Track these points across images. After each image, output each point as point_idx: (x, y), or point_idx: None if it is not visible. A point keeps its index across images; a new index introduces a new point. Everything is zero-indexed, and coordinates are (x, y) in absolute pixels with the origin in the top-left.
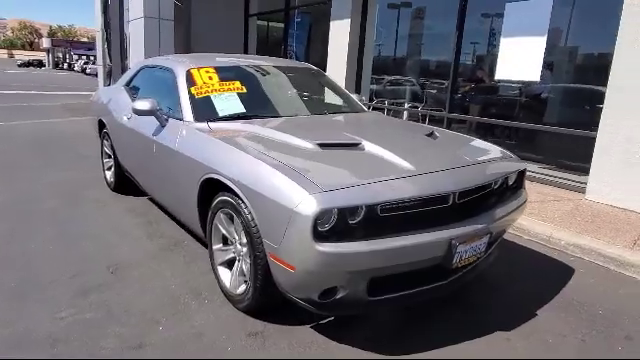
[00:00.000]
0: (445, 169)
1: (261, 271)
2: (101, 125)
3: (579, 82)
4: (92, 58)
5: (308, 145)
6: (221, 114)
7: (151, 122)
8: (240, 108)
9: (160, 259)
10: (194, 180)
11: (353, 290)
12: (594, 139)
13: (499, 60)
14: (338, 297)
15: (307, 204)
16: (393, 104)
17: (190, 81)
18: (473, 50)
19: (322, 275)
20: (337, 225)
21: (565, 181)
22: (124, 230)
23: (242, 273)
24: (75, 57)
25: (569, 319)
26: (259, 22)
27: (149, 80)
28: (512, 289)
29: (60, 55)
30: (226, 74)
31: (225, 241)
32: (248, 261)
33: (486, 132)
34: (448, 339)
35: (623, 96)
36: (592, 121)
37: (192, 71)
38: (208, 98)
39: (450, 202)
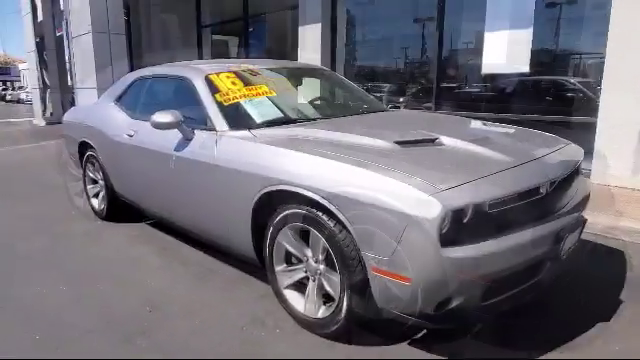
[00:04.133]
0: (536, 158)
1: (355, 289)
2: (82, 148)
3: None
4: (9, 84)
5: (384, 144)
6: (259, 121)
7: (169, 136)
8: (277, 112)
9: (199, 290)
10: (247, 195)
11: (469, 297)
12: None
13: (484, 54)
14: (451, 307)
15: (429, 206)
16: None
17: (212, 88)
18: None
19: (445, 284)
20: (454, 227)
21: None
22: (139, 261)
23: (320, 294)
24: None
25: None
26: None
27: (150, 92)
28: (583, 275)
29: None
30: (249, 78)
31: (289, 260)
32: (334, 279)
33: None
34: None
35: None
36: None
37: (211, 77)
38: (239, 105)
39: (544, 192)
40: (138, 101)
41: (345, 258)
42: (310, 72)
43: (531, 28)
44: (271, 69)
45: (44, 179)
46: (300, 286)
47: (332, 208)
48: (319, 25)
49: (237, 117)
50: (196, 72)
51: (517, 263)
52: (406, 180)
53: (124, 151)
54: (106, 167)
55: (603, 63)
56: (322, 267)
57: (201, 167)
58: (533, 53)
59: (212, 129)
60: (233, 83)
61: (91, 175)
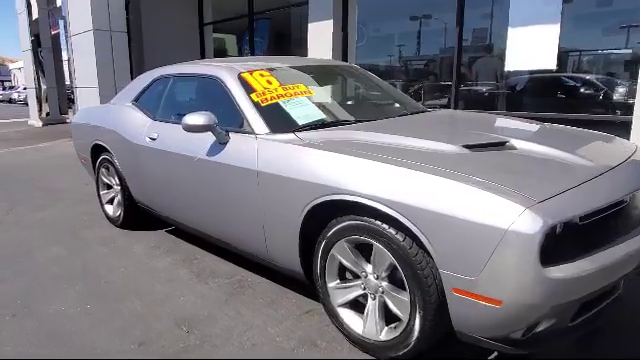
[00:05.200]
0: (619, 164)
1: (429, 310)
2: (96, 151)
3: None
4: None
5: (452, 148)
6: (301, 123)
7: (199, 140)
8: (319, 113)
9: (234, 306)
10: (296, 205)
11: (560, 319)
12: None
13: (508, 51)
14: (539, 330)
15: (527, 220)
16: None
17: (247, 87)
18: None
19: (541, 307)
20: (553, 244)
21: None
22: (164, 274)
23: (382, 313)
24: None
25: None
26: (215, 35)
27: (174, 92)
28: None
29: None
30: (284, 77)
31: (343, 276)
32: (402, 298)
33: None
34: None
35: None
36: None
37: (244, 75)
38: (277, 105)
39: (627, 201)
40: (159, 102)
41: (417, 276)
42: (341, 70)
43: (558, 23)
44: (300, 67)
45: (48, 183)
46: (357, 304)
47: (404, 221)
48: (330, 22)
49: (277, 119)
50: (228, 70)
51: (612, 280)
52: (494, 190)
53: (145, 155)
54: (123, 172)
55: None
56: (385, 284)
57: (239, 174)
58: (561, 49)
59: (250, 132)
60: (268, 82)
61: (105, 180)
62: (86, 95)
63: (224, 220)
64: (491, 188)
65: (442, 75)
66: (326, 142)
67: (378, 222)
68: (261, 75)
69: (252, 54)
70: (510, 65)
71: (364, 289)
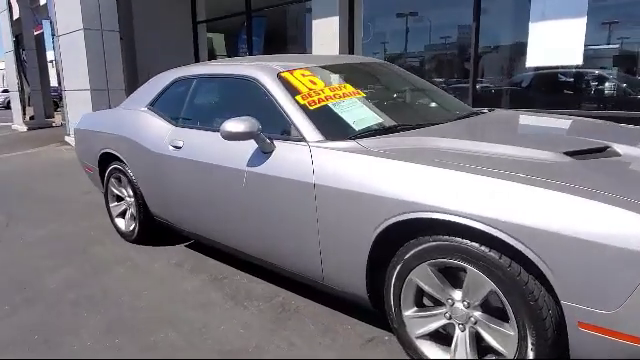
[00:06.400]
0: None
1: (543, 345)
2: (104, 160)
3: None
4: None
5: (551, 156)
6: (358, 128)
7: (236, 149)
8: (376, 117)
9: (284, 334)
10: (367, 223)
11: None
12: None
13: (529, 45)
14: None
15: None
16: None
17: (290, 89)
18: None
19: None
20: None
21: None
22: (195, 297)
23: (474, 347)
24: None
25: None
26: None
27: (198, 95)
28: None
29: None
30: (327, 76)
31: (420, 303)
32: (505, 331)
33: None
34: None
35: None
36: None
37: (284, 75)
38: (327, 108)
39: None
40: (181, 106)
41: (529, 307)
42: (376, 68)
43: (585, 16)
44: (335, 66)
45: (44, 193)
46: (440, 336)
47: (513, 243)
48: (336, 18)
49: (330, 124)
50: (265, 70)
51: None
52: (630, 207)
53: (168, 165)
54: (140, 183)
55: None
56: (478, 314)
57: (289, 187)
58: (587, 44)
59: (299, 140)
60: (312, 82)
61: (115, 191)
62: (76, 98)
63: (268, 237)
64: (624, 204)
65: (456, 72)
66: (397, 151)
67: (474, 244)
68: (302, 75)
69: (250, 53)
70: (531, 61)
71: (449, 318)
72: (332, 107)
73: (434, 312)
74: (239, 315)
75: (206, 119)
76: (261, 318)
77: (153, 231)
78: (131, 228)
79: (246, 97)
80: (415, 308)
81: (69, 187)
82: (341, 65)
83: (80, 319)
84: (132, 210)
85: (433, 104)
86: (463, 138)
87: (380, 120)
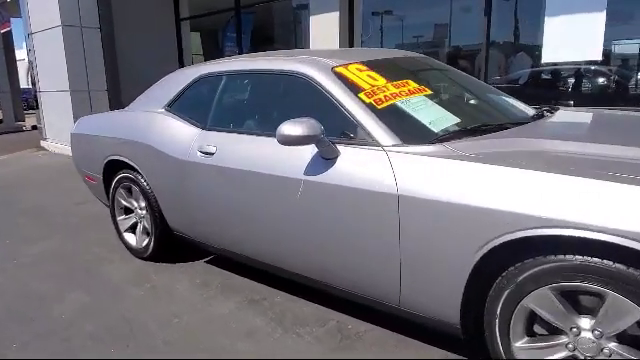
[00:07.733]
0: None
1: None
2: (110, 168)
3: None
4: None
5: None
6: (437, 130)
7: (288, 155)
8: (453, 117)
9: None
10: (470, 240)
11: None
12: None
13: (545, 41)
14: None
15: None
16: None
17: (351, 86)
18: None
19: None
20: None
21: None
22: (235, 324)
23: None
24: None
25: None
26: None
27: (230, 94)
28: None
29: None
30: (384, 71)
31: (530, 331)
32: None
33: None
34: None
35: None
36: None
37: (340, 70)
38: (397, 108)
39: None
40: (209, 107)
41: None
42: (423, 62)
43: (604, 10)
44: (381, 60)
45: (30, 205)
46: None
47: None
48: (336, 14)
49: (405, 126)
50: (316, 65)
51: None
52: None
53: (196, 174)
54: (157, 193)
55: None
56: (613, 345)
57: (362, 198)
58: (606, 39)
59: (370, 144)
60: (371, 77)
61: (124, 203)
62: (54, 99)
63: (328, 254)
64: None
65: (468, 69)
66: (498, 155)
67: (620, 265)
68: (358, 69)
69: (240, 52)
70: (547, 57)
71: (573, 350)
72: (401, 106)
73: (553, 343)
74: (294, 345)
75: (243, 121)
76: (321, 348)
77: (170, 247)
78: (144, 244)
79: (293, 95)
80: (527, 338)
81: (58, 197)
82: (390, 60)
83: (102, 351)
84: (145, 224)
85: (497, 102)
86: (565, 139)
87: (457, 120)
